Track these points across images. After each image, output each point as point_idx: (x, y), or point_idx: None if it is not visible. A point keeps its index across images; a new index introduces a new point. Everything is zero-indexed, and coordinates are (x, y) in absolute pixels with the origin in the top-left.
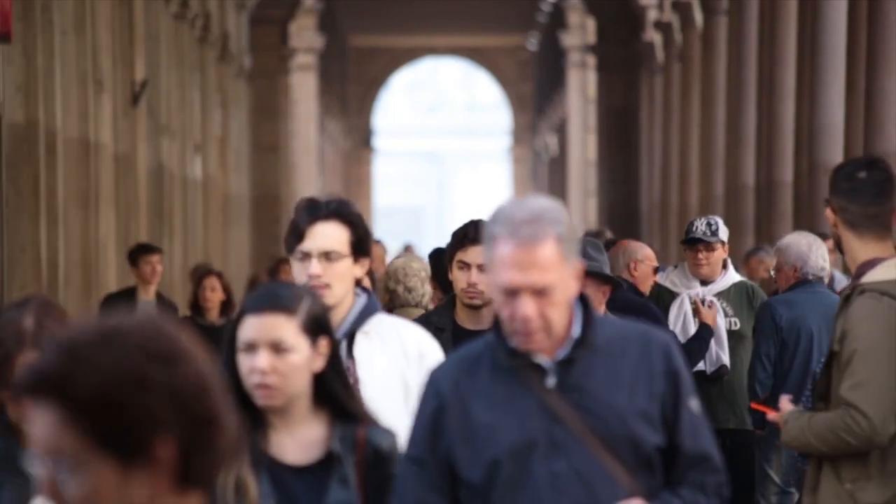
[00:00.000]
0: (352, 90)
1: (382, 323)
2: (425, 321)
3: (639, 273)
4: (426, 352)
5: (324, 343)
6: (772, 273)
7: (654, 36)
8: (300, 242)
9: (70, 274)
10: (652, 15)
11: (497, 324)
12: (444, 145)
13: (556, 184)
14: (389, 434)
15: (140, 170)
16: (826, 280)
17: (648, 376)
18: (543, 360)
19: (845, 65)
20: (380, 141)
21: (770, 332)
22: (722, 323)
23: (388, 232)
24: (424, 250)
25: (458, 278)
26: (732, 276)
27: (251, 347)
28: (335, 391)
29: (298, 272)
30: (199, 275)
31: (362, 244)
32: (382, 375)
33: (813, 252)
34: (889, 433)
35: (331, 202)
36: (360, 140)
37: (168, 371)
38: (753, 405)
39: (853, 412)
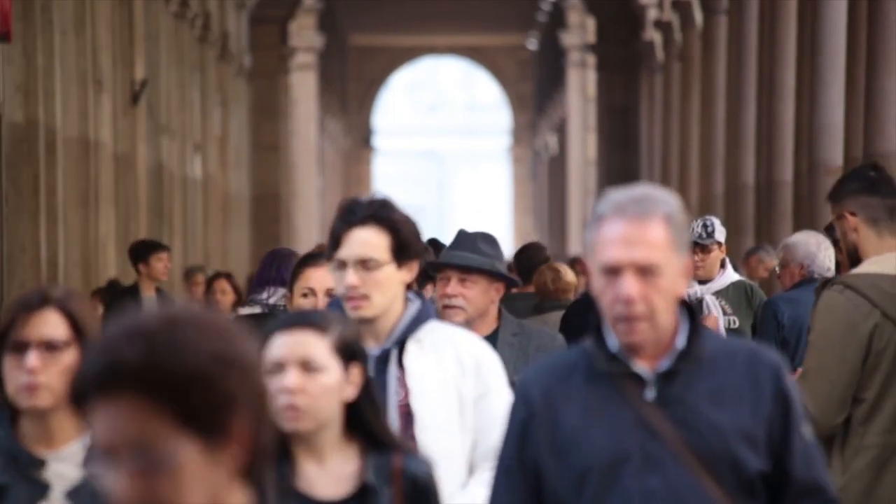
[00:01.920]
0: (352, 89)
1: (436, 331)
2: None
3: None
4: (484, 362)
5: (356, 371)
6: (776, 269)
7: (653, 35)
8: (337, 249)
9: (70, 273)
10: (652, 14)
11: (597, 326)
12: (443, 145)
13: (556, 183)
14: (426, 463)
15: (140, 169)
16: None
17: (755, 396)
18: (644, 370)
19: (845, 64)
20: (380, 140)
21: (772, 330)
22: (721, 321)
23: None
24: None
25: (303, 306)
26: (731, 276)
27: (279, 367)
28: (368, 421)
29: (337, 282)
30: (209, 277)
31: (406, 248)
32: (435, 386)
33: (822, 251)
34: (832, 423)
35: (368, 204)
36: (360, 139)
37: (238, 348)
38: None
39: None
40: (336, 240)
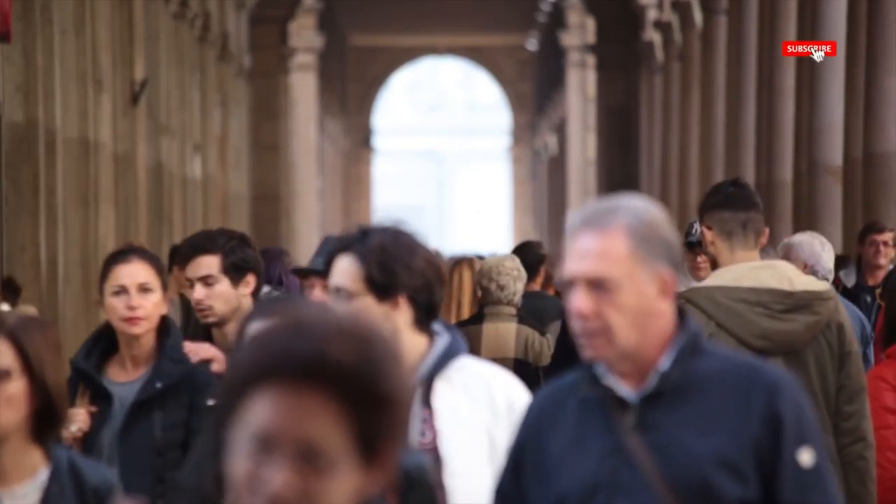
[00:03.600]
0: (351, 89)
1: (468, 369)
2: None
3: None
4: (516, 403)
5: None
6: None
7: (653, 35)
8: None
9: (69, 273)
10: (651, 14)
11: None
12: (443, 145)
13: (556, 183)
14: (423, 457)
15: (140, 169)
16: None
17: (742, 420)
18: (627, 392)
19: (845, 64)
20: (379, 140)
21: None
22: None
23: None
24: None
25: (191, 297)
26: None
27: None
28: None
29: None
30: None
31: (382, 282)
32: (467, 429)
33: (826, 253)
34: None
35: (355, 232)
36: (360, 139)
37: (410, 381)
38: None
39: None
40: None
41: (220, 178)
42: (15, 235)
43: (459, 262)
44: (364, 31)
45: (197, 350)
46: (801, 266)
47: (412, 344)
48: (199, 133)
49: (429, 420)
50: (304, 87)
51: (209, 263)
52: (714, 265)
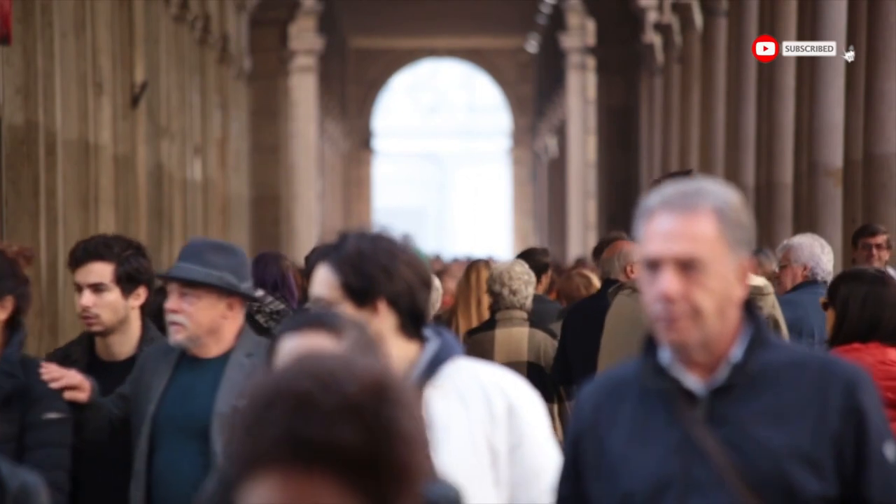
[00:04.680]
0: (351, 92)
1: (460, 372)
2: (62, 354)
3: (636, 276)
4: (517, 406)
5: None
6: (775, 269)
7: (653, 37)
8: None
9: (69, 275)
10: (652, 16)
11: (649, 337)
12: (443, 147)
13: (556, 185)
14: (451, 489)
15: (140, 171)
16: None
17: (820, 413)
18: (696, 384)
19: (845, 66)
20: (380, 142)
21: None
22: None
23: None
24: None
25: (77, 302)
26: None
27: None
28: None
29: None
30: None
31: (359, 289)
32: (462, 438)
33: (825, 254)
34: None
35: (336, 240)
36: (360, 141)
37: (422, 420)
38: None
39: None
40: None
41: (221, 181)
42: (15, 237)
43: (475, 262)
44: (364, 33)
45: (59, 377)
46: (801, 268)
47: (400, 351)
48: (200, 135)
49: None
50: (304, 89)
51: (101, 271)
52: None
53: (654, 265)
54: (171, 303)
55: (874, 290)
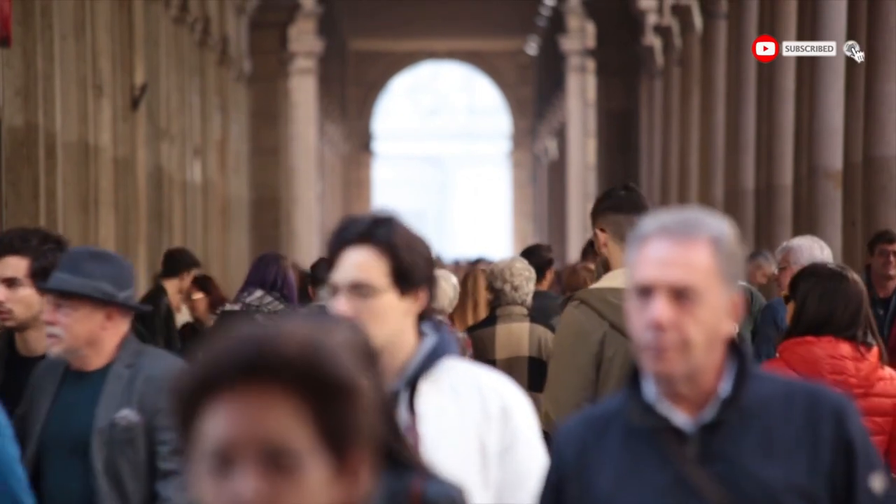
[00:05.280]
0: (351, 94)
1: (456, 370)
2: None
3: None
4: (512, 409)
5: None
6: (774, 271)
7: (653, 40)
8: (331, 272)
9: None
10: (651, 19)
11: (634, 372)
12: (443, 149)
13: (556, 188)
14: (452, 488)
15: (139, 173)
16: None
17: (813, 447)
18: (685, 421)
19: (845, 68)
20: (380, 145)
21: (771, 334)
22: None
23: None
24: None
25: None
26: None
27: None
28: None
29: (333, 309)
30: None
31: (408, 275)
32: (453, 435)
33: (825, 256)
34: None
35: (367, 221)
36: (360, 144)
37: (373, 379)
38: None
39: (543, 407)
40: (330, 261)
41: (220, 183)
42: None
43: (475, 265)
44: (364, 35)
45: None
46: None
47: (409, 340)
48: (199, 137)
49: (412, 425)
50: (304, 91)
51: (16, 265)
52: (607, 267)
53: (645, 291)
54: (47, 315)
55: (831, 286)
